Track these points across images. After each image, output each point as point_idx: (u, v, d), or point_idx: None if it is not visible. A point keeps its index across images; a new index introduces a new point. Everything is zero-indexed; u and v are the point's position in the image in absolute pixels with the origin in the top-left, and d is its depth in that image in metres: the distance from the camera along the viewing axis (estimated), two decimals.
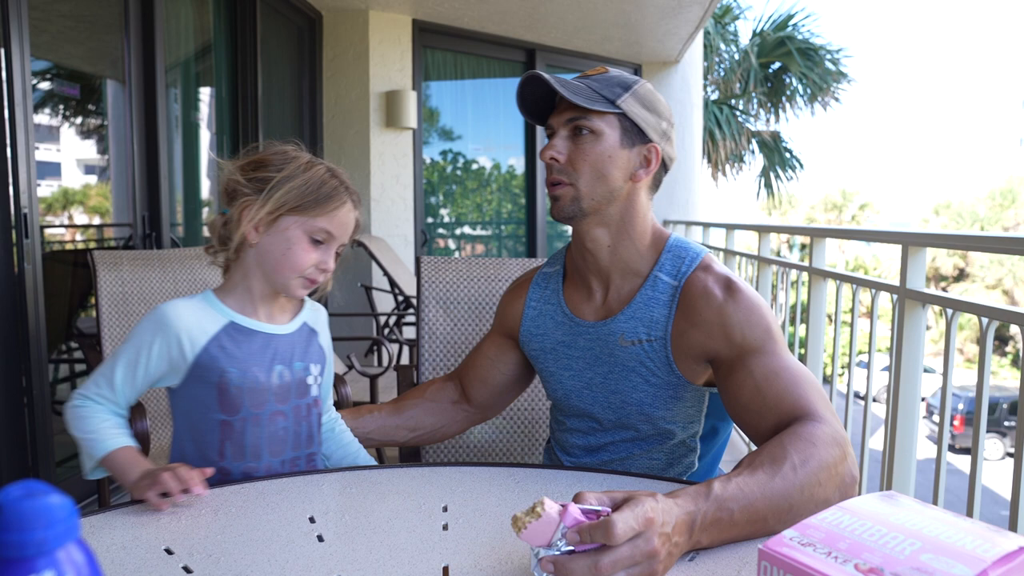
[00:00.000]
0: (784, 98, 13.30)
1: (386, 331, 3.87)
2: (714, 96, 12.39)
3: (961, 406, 14.84)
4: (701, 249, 1.10)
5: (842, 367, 4.31)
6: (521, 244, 6.02)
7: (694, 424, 1.12)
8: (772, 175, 13.25)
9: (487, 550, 0.77)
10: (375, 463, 1.20)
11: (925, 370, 2.04)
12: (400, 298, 4.08)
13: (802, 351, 2.82)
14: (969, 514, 1.64)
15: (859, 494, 0.76)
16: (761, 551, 0.55)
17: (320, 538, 0.81)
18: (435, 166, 5.55)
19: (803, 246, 10.60)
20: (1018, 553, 0.51)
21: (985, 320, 1.62)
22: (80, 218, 3.01)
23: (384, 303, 4.28)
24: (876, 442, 2.55)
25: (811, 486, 0.82)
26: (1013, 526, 1.48)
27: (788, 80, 13.18)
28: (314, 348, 1.12)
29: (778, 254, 4.32)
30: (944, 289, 27.47)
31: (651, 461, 1.13)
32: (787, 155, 13.20)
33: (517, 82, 1.09)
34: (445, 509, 0.88)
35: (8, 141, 2.14)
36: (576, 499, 0.71)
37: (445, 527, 0.83)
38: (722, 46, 12.42)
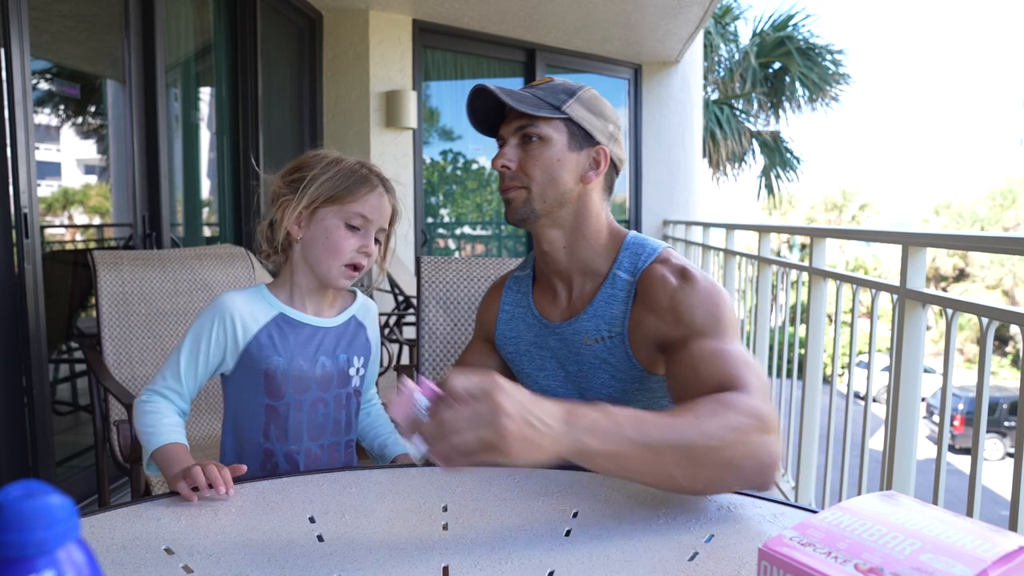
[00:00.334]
0: (784, 98, 13.30)
1: (386, 331, 3.88)
2: (714, 96, 12.39)
3: (961, 406, 14.82)
4: (660, 244, 1.12)
5: (842, 367, 4.30)
6: (521, 244, 6.02)
7: None
8: (773, 175, 13.25)
9: (487, 550, 0.78)
10: (403, 450, 1.26)
11: (925, 370, 2.04)
12: (400, 298, 4.08)
13: (802, 351, 2.82)
14: (969, 514, 1.64)
15: (859, 494, 0.76)
16: (761, 551, 0.55)
17: (320, 538, 0.81)
18: (435, 166, 5.55)
19: (803, 246, 10.61)
20: (1018, 553, 0.51)
21: (985, 320, 1.62)
22: (80, 218, 3.01)
23: (384, 303, 4.28)
24: (876, 442, 2.55)
25: (715, 440, 0.82)
26: (1013, 526, 1.48)
27: (788, 80, 13.18)
28: (360, 341, 1.20)
29: (778, 254, 4.32)
30: (944, 289, 27.46)
31: None
32: (788, 155, 13.20)
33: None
34: (445, 509, 0.88)
35: (8, 141, 2.14)
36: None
37: (445, 527, 0.83)
38: (722, 46, 12.42)
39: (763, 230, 3.50)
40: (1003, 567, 0.50)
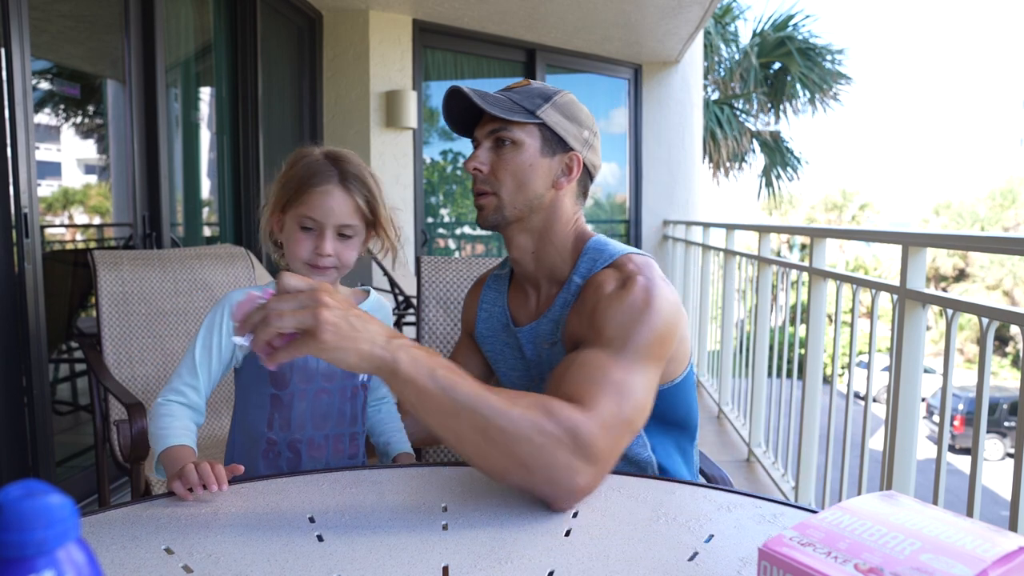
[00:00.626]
0: (784, 98, 13.30)
1: None
2: (714, 96, 12.39)
3: (961, 406, 14.82)
4: (620, 250, 1.10)
5: (842, 367, 4.31)
6: None
7: None
8: (773, 175, 13.25)
9: (487, 550, 0.78)
10: (409, 450, 1.26)
11: (925, 370, 2.04)
12: (400, 298, 4.08)
13: (802, 351, 2.83)
14: (969, 514, 1.64)
15: (859, 494, 0.76)
16: (761, 551, 0.55)
17: (320, 538, 0.81)
18: (435, 166, 5.55)
19: (803, 246, 10.61)
20: (1018, 553, 0.51)
21: (985, 320, 1.62)
22: (80, 218, 3.01)
23: None
24: (876, 442, 2.55)
25: (513, 431, 0.81)
26: (1013, 526, 1.48)
27: (788, 80, 13.18)
28: None
29: (778, 254, 4.32)
30: (944, 289, 27.46)
31: None
32: (788, 155, 13.20)
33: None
34: (445, 509, 0.88)
35: (8, 141, 2.14)
36: None
37: (445, 527, 0.83)
38: (722, 46, 12.42)
39: (763, 230, 3.50)
40: (1003, 567, 0.50)
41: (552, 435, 0.83)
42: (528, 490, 0.86)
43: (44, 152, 2.58)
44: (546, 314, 1.11)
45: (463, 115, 1.12)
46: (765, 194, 13.36)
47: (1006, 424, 15.49)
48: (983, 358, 1.63)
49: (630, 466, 1.12)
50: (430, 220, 5.45)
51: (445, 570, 0.73)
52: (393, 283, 4.04)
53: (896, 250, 2.02)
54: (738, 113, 11.96)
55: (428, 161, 5.41)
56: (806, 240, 2.99)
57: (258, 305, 0.78)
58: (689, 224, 5.62)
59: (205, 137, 3.79)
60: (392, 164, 4.82)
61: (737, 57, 12.69)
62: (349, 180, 1.12)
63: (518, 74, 5.81)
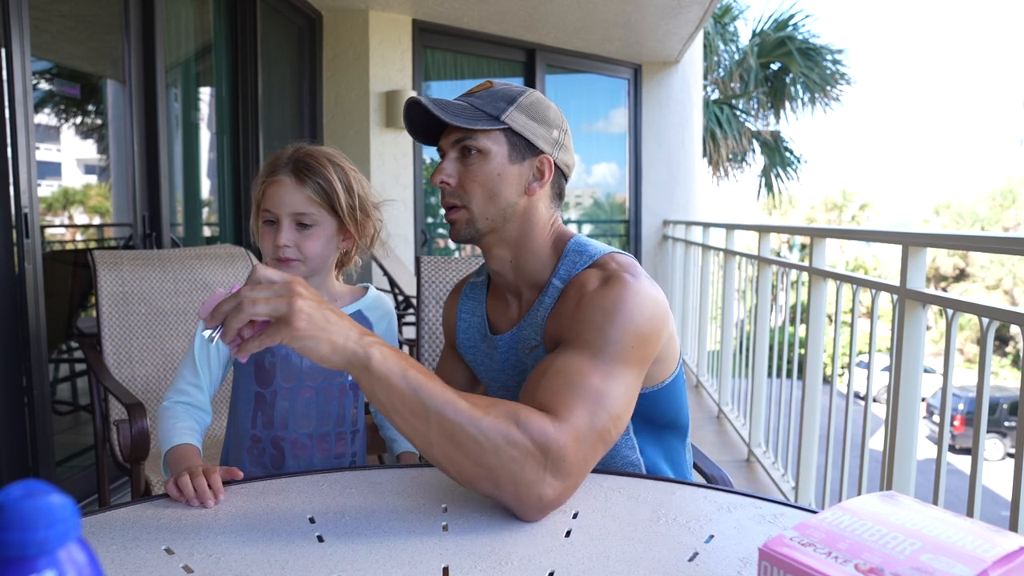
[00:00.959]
0: (784, 98, 13.30)
1: None
2: (714, 96, 12.40)
3: (961, 406, 14.82)
4: (601, 249, 1.07)
5: (842, 367, 4.31)
6: None
7: None
8: (773, 175, 13.25)
9: (487, 550, 0.78)
10: (413, 449, 1.25)
11: (925, 370, 2.04)
12: (400, 298, 4.08)
13: (802, 351, 2.83)
14: (969, 514, 1.64)
15: (859, 494, 0.76)
16: (761, 551, 0.55)
17: (320, 538, 0.81)
18: (435, 166, 5.55)
19: (803, 246, 10.61)
20: (1018, 553, 0.51)
21: (985, 320, 1.62)
22: (80, 218, 3.01)
23: None
24: (876, 442, 2.55)
25: (482, 439, 0.80)
26: (1013, 526, 1.48)
27: (788, 80, 13.18)
28: None
29: (778, 254, 4.32)
30: (944, 289, 27.46)
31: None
32: (788, 155, 13.20)
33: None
34: (445, 509, 0.88)
35: (8, 141, 2.14)
36: None
37: (445, 527, 0.83)
38: (722, 46, 12.42)
39: (763, 230, 3.50)
40: (1003, 567, 0.50)
41: (522, 447, 0.81)
42: (495, 499, 0.85)
43: (44, 152, 2.58)
44: (526, 319, 1.08)
45: (426, 125, 1.07)
46: (765, 194, 13.36)
47: (1006, 424, 15.49)
48: (983, 358, 1.63)
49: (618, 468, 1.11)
50: (430, 220, 5.45)
51: (445, 571, 0.73)
52: (393, 283, 4.04)
53: (896, 250, 2.02)
54: (738, 113, 11.96)
55: (428, 161, 5.41)
56: (806, 240, 2.99)
57: (229, 295, 0.77)
58: (689, 224, 5.62)
59: (205, 137, 3.79)
60: (392, 164, 4.82)
61: (737, 57, 12.69)
62: (302, 170, 1.12)
63: (518, 74, 5.81)
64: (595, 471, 1.01)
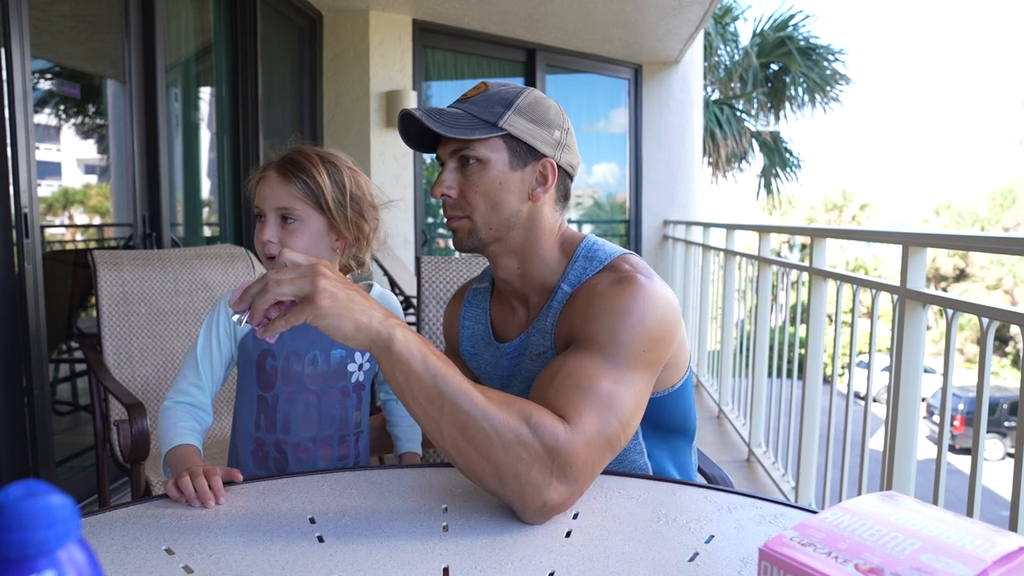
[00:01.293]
0: (784, 98, 13.30)
1: None
2: (714, 96, 12.40)
3: (961, 406, 14.81)
4: (614, 251, 1.04)
5: (842, 367, 4.31)
6: None
7: None
8: (772, 175, 13.25)
9: (487, 550, 0.78)
10: (416, 450, 1.27)
11: (925, 370, 2.04)
12: (400, 298, 4.08)
13: (802, 351, 2.83)
14: (969, 514, 1.64)
15: (859, 494, 0.76)
16: (762, 551, 0.55)
17: (320, 539, 0.81)
18: (435, 166, 5.54)
19: (803, 246, 10.61)
20: (1018, 553, 0.51)
21: (985, 320, 1.62)
22: (80, 218, 3.01)
23: None
24: (876, 442, 2.55)
25: (493, 435, 0.80)
26: (1013, 526, 1.48)
27: (788, 80, 13.19)
28: None
29: (778, 254, 4.32)
30: (944, 289, 27.46)
31: None
32: (787, 155, 13.20)
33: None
34: (445, 510, 0.88)
35: (8, 141, 2.14)
36: None
37: (445, 528, 0.83)
38: (722, 46, 12.43)
39: (763, 230, 3.51)
40: (1003, 567, 0.50)
41: (532, 448, 0.81)
42: (499, 497, 0.84)
43: (44, 152, 2.58)
44: (534, 325, 1.06)
45: (422, 134, 1.03)
46: (764, 195, 13.36)
47: (1006, 424, 15.48)
48: (983, 358, 1.63)
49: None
50: (430, 220, 5.45)
51: (446, 571, 0.73)
52: (393, 283, 4.04)
53: (896, 250, 2.02)
54: (738, 113, 11.96)
55: (428, 161, 5.41)
56: (806, 240, 2.99)
57: (256, 280, 0.80)
58: (689, 224, 5.62)
59: (205, 137, 3.79)
60: (392, 164, 4.82)
61: (737, 57, 12.70)
62: (288, 166, 1.12)
63: (518, 74, 5.81)
64: None
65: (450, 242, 5.62)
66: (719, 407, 4.19)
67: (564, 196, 1.08)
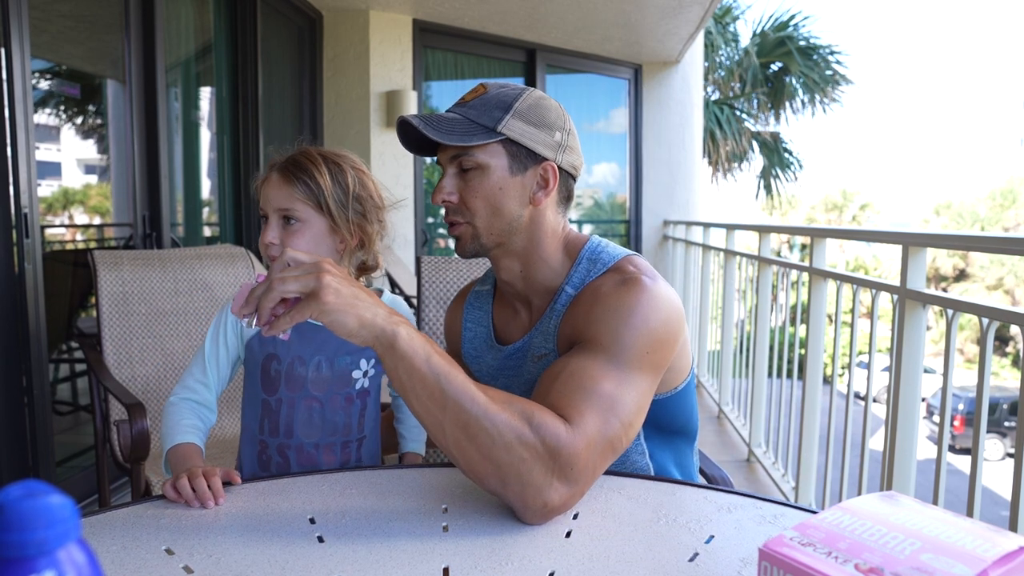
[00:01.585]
0: (784, 98, 13.31)
1: None
2: (714, 96, 12.40)
3: (961, 406, 14.81)
4: (618, 253, 1.04)
5: (842, 367, 4.31)
6: None
7: None
8: (772, 176, 13.25)
9: (487, 551, 0.78)
10: (418, 450, 1.27)
11: (925, 370, 2.04)
12: (400, 298, 4.08)
13: (802, 351, 2.83)
14: (969, 514, 1.64)
15: (859, 494, 0.76)
16: (761, 551, 0.55)
17: (320, 539, 0.81)
18: (435, 166, 5.55)
19: (803, 246, 10.61)
20: (1018, 553, 0.51)
21: (986, 320, 1.62)
22: (80, 218, 3.01)
23: None
24: (876, 442, 2.55)
25: (495, 433, 0.80)
26: (1013, 526, 1.48)
27: (788, 80, 13.19)
28: None
29: (778, 254, 4.32)
30: (944, 289, 27.46)
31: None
32: (787, 155, 13.20)
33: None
34: (445, 510, 0.88)
35: (8, 141, 2.14)
36: None
37: (445, 528, 0.83)
38: (722, 46, 12.43)
39: (763, 230, 3.51)
40: (1003, 567, 0.50)
41: (533, 449, 0.81)
42: (499, 496, 0.84)
43: (44, 152, 2.58)
44: (537, 327, 1.05)
45: (421, 139, 1.01)
46: (764, 194, 13.36)
47: (1006, 424, 15.49)
48: (983, 358, 1.63)
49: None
50: (430, 220, 5.45)
51: (446, 571, 0.73)
52: (393, 283, 4.04)
53: (896, 250, 2.02)
54: (738, 113, 11.96)
55: (428, 161, 5.42)
56: (806, 240, 2.99)
57: (258, 284, 0.80)
58: (689, 224, 5.62)
59: (205, 137, 3.79)
60: (392, 164, 4.82)
61: (737, 57, 12.70)
62: (290, 167, 1.12)
63: (518, 74, 5.81)
64: None
65: (450, 242, 5.64)
66: (719, 407, 4.19)
67: (567, 197, 1.07)
